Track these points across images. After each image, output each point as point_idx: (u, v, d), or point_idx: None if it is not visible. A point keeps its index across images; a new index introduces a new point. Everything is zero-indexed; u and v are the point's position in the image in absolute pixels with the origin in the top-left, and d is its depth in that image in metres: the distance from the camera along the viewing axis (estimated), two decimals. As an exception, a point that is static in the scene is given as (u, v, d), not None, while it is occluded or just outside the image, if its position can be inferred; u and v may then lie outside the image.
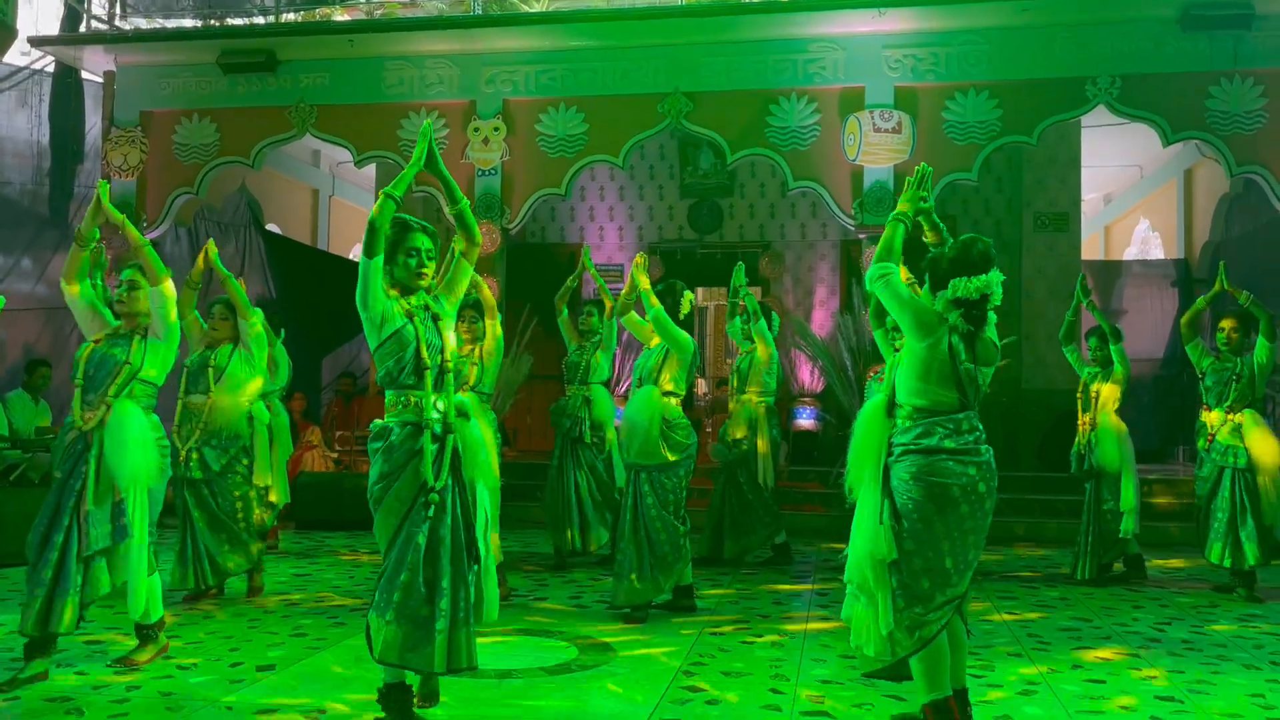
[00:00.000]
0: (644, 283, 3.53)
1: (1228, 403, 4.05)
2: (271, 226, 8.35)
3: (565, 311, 4.57)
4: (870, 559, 2.00)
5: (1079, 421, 4.55)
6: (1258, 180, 5.88)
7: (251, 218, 7.96)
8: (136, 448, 2.95)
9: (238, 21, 7.02)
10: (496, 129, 6.52)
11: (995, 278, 2.01)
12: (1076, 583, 4.42)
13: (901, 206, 2.24)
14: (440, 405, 2.34)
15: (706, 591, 4.14)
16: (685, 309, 3.62)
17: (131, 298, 3.02)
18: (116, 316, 3.12)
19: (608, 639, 3.42)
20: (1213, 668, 2.95)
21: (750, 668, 2.95)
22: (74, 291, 3.03)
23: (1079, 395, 4.59)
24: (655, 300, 3.44)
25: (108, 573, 2.94)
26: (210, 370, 3.75)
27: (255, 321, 3.79)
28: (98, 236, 3.03)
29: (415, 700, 2.37)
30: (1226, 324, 4.20)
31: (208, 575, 3.63)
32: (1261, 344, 4.01)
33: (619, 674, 2.95)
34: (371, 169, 7.40)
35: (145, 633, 2.97)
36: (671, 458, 3.47)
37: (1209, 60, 5.86)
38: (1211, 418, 4.21)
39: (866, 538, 2.04)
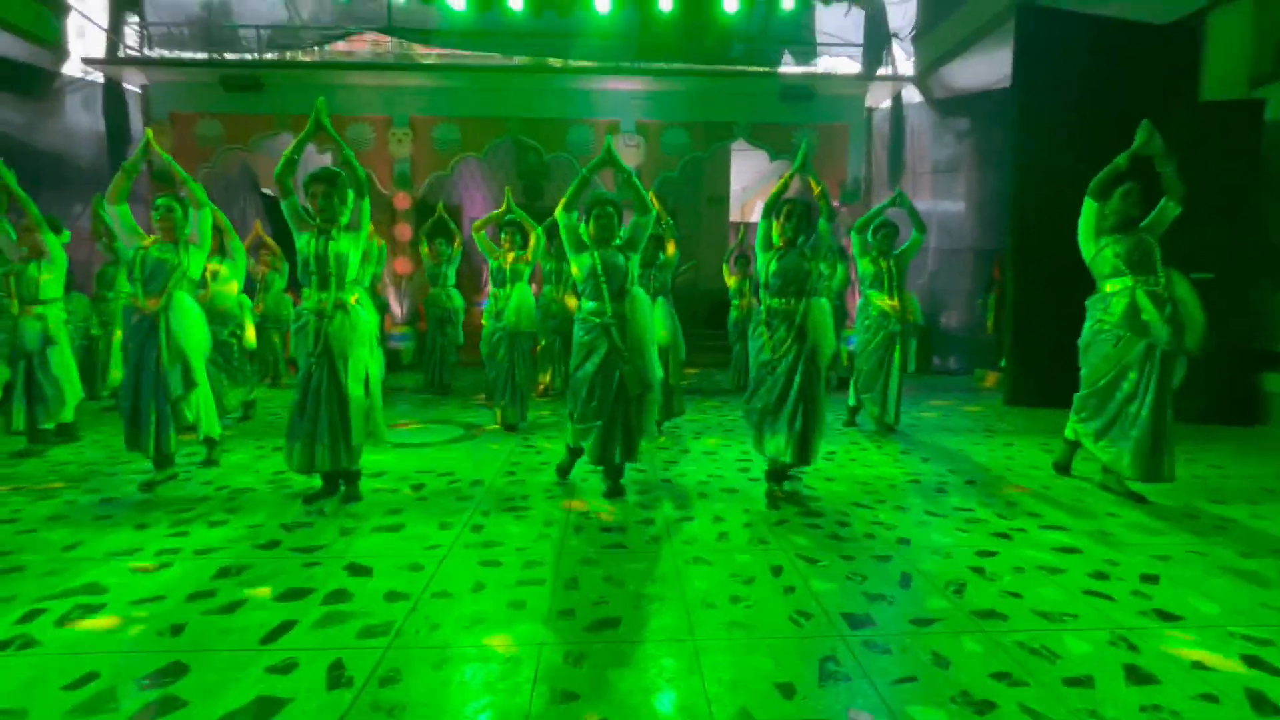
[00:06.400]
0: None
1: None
2: (266, 190, 10.58)
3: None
4: None
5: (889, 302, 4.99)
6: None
7: (251, 183, 10.25)
8: (196, 325, 3.52)
9: (233, 56, 9.42)
10: (406, 134, 9.33)
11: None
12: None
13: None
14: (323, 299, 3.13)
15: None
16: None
17: (170, 219, 3.46)
18: (149, 233, 3.47)
19: (479, 424, 5.19)
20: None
21: (560, 438, 4.45)
22: (117, 210, 3.36)
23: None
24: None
25: (187, 409, 3.55)
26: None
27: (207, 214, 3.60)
28: (139, 171, 3.43)
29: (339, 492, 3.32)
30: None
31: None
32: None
33: (486, 442, 4.53)
34: (329, 155, 9.96)
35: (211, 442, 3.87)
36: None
37: (793, 116, 9.51)
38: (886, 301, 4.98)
39: None
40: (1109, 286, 3.46)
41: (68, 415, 4.46)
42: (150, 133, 3.51)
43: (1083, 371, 3.61)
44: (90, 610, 2.20)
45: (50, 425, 4.40)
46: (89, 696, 1.74)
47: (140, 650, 1.95)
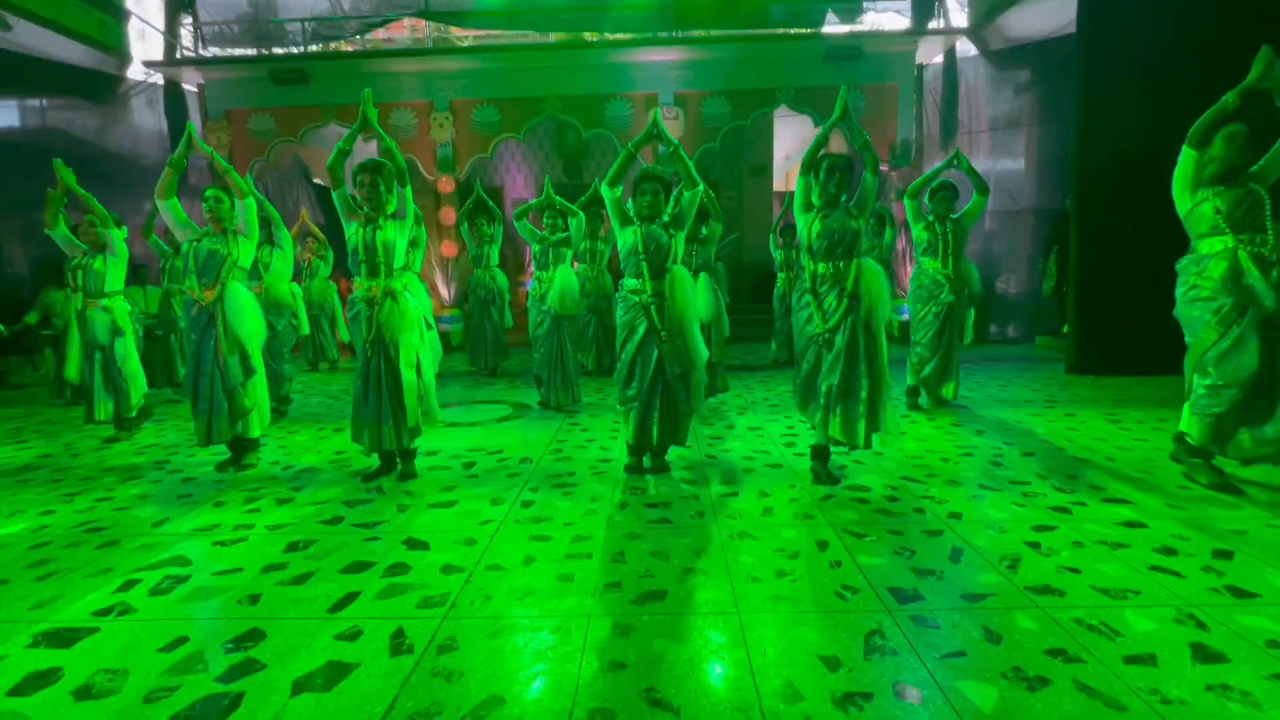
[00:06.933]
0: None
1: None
2: (316, 180, 11.09)
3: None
4: None
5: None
6: (860, 146, 9.70)
7: (303, 174, 10.67)
8: (251, 314, 3.59)
9: (280, 50, 9.70)
10: (447, 118, 9.49)
11: None
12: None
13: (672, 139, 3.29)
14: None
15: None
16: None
17: (219, 209, 3.56)
18: (201, 225, 3.50)
19: (528, 403, 5.37)
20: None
21: (605, 416, 4.78)
22: (167, 205, 3.48)
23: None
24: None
25: (245, 397, 3.60)
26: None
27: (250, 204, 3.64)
28: (185, 166, 3.52)
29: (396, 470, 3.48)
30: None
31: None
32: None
33: (534, 420, 4.69)
34: (374, 143, 10.39)
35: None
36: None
37: (839, 78, 9.07)
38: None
39: None
40: (1205, 247, 3.04)
41: (137, 399, 4.68)
42: (191, 126, 3.59)
43: (1190, 358, 3.11)
44: (179, 580, 2.39)
45: (132, 413, 4.71)
46: (181, 658, 1.90)
47: (223, 617, 2.12)
